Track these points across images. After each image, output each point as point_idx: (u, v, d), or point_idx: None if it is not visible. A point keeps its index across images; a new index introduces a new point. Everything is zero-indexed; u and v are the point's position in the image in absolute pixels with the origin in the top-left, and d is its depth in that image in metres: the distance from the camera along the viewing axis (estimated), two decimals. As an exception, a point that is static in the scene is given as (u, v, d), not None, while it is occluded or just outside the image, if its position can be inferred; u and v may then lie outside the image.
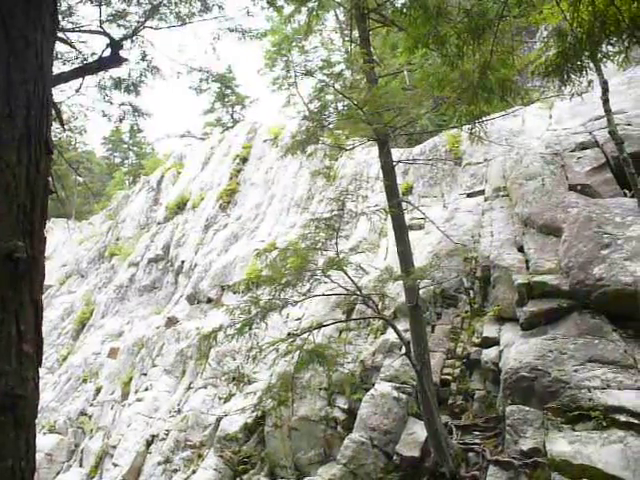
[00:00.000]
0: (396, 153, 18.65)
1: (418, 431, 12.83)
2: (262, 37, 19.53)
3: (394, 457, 12.82)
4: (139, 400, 21.11)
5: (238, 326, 11.11)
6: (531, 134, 18.73)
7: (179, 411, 19.04)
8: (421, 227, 17.15)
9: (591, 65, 9.38)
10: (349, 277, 11.78)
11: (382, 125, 11.73)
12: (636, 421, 10.42)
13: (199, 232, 27.76)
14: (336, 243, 11.87)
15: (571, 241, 13.31)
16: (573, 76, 9.14)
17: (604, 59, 9.31)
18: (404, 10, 10.43)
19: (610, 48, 9.33)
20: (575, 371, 11.44)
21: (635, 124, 15.65)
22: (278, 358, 11.63)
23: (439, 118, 12.07)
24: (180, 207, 31.09)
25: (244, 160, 29.60)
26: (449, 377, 13.73)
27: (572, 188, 14.91)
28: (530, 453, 10.87)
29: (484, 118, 13.03)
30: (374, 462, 12.94)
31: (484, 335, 13.93)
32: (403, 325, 13.61)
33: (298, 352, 11.27)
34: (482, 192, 17.91)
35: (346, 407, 14.72)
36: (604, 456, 10.07)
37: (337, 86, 12.45)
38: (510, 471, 11.02)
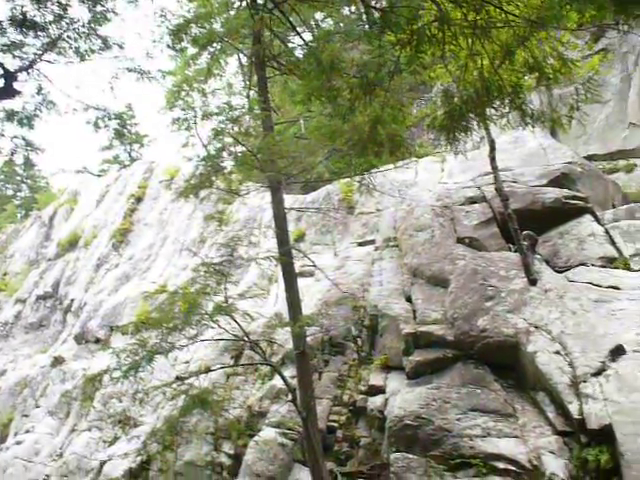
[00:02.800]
0: (290, 199, 18.79)
1: (303, 478, 12.79)
2: (163, 78, 19.48)
3: (279, 504, 12.77)
4: (18, 443, 20.28)
5: (124, 369, 10.89)
6: (423, 186, 19.09)
7: (61, 455, 18.42)
8: (312, 274, 17.24)
9: (477, 125, 9.72)
10: (237, 322, 11.72)
11: (275, 172, 11.81)
12: (513, 468, 10.74)
13: (90, 270, 27.13)
14: (225, 288, 11.82)
15: (457, 292, 13.65)
16: (459, 135, 9.45)
17: (487, 121, 9.71)
18: (299, 61, 10.59)
19: (493, 111, 9.76)
20: (458, 420, 11.68)
21: (520, 182, 16.23)
22: (164, 402, 11.49)
23: (335, 166, 12.25)
24: (72, 244, 30.31)
25: (139, 200, 29.20)
26: (335, 424, 13.74)
27: (460, 241, 15.31)
28: (414, 500, 11.01)
29: (377, 169, 13.30)
30: (259, 509, 12.86)
31: (371, 383, 14.01)
32: (291, 371, 13.57)
33: (183, 396, 11.15)
34: (373, 241, 18.13)
35: (232, 452, 14.57)
36: (488, 502, 10.34)
37: (235, 130, 12.47)
38: (393, 518, 11.16)
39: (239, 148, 12.42)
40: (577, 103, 10.72)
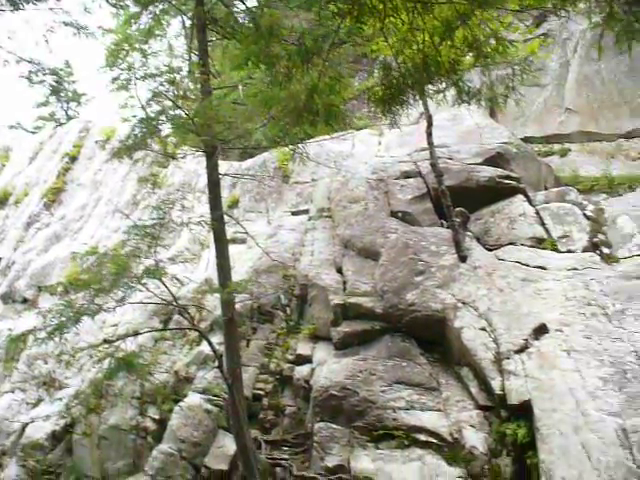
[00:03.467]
0: (226, 166, 18.55)
1: (228, 444, 12.82)
2: (102, 36, 19.02)
3: (202, 470, 12.75)
4: (-61, 403, 19.89)
5: (49, 330, 10.72)
6: (360, 159, 19.04)
7: (-19, 416, 18.09)
8: (244, 241, 17.11)
9: (414, 99, 9.73)
10: (166, 287, 11.63)
11: (211, 137, 11.69)
12: (435, 440, 10.97)
13: (20, 229, 26.50)
14: (155, 252, 11.71)
15: (387, 266, 13.73)
16: (395, 108, 9.46)
17: (425, 96, 9.73)
18: (238, 26, 10.46)
19: (431, 87, 9.80)
20: (382, 392, 11.83)
21: (456, 159, 16.33)
22: (90, 364, 11.37)
23: (272, 134, 12.15)
24: (2, 202, 29.57)
25: (74, 159, 28.52)
26: (261, 392, 13.79)
27: (393, 214, 15.36)
28: (335, 470, 11.14)
29: (314, 139, 13.26)
30: (182, 474, 12.85)
31: (298, 352, 14.10)
32: (219, 338, 13.49)
33: (109, 359, 11.03)
34: (307, 211, 18.07)
35: (157, 417, 14.50)
36: (404, 473, 10.56)
37: (173, 93, 12.29)
38: (315, 487, 11.21)
39: (177, 111, 12.27)
40: (512, 83, 10.79)
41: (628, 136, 21.48)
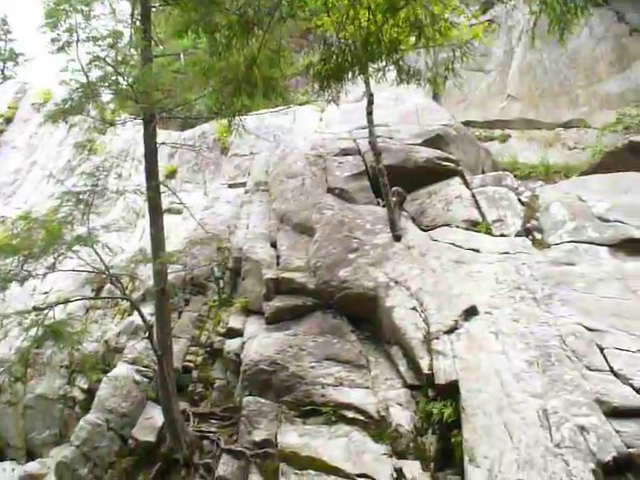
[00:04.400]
0: (165, 135, 18.37)
1: (156, 416, 12.75)
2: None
3: (129, 441, 12.65)
4: None
5: (-24, 295, 10.53)
6: (300, 134, 18.93)
7: None
8: (180, 212, 16.94)
9: (352, 75, 9.73)
10: (98, 255, 11.47)
11: (149, 105, 11.51)
12: (361, 417, 10.99)
13: (-51, 191, 25.94)
14: (88, 219, 11.53)
15: (322, 242, 13.71)
16: (334, 83, 9.44)
17: (365, 74, 9.73)
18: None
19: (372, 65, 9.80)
20: (312, 367, 11.82)
21: (396, 138, 16.38)
22: (18, 332, 11.17)
23: (211, 105, 12.01)
24: None
25: (8, 121, 27.80)
26: (191, 364, 13.76)
27: (330, 191, 15.33)
28: (262, 444, 11.13)
29: (254, 112, 13.15)
30: (109, 445, 12.73)
31: (229, 326, 14.05)
32: (151, 309, 13.35)
33: (36, 327, 10.84)
34: (244, 184, 17.94)
35: (85, 387, 14.38)
36: (330, 449, 10.52)
37: (114, 58, 12.03)
38: (241, 460, 11.26)
39: (116, 77, 12.04)
40: (452, 65, 10.86)
41: (566, 126, 21.87)
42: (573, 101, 21.90)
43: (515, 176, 16.85)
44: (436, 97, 23.04)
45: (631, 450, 9.01)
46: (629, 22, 21.30)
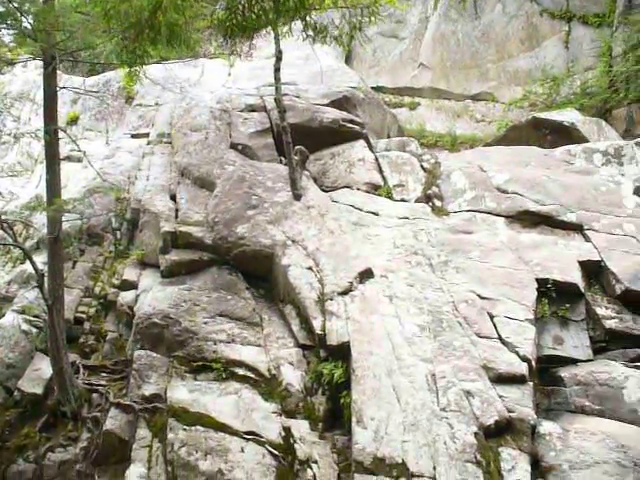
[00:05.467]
0: (68, 80, 17.80)
1: (44, 368, 12.40)
2: None
3: (15, 393, 12.29)
4: None
5: None
6: (207, 87, 18.47)
7: None
8: (80, 160, 16.42)
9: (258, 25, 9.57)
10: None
11: (48, 45, 11.10)
12: (252, 375, 11.03)
13: None
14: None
15: (221, 197, 13.54)
16: (237, 33, 9.27)
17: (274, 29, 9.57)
18: None
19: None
20: (205, 323, 11.77)
21: (303, 97, 16.22)
22: None
23: (115, 51, 11.61)
24: None
25: None
26: (83, 316, 13.42)
27: (234, 147, 15.09)
28: (151, 398, 11.04)
29: (161, 62, 12.84)
30: (-8, 397, 12.37)
31: (124, 278, 13.74)
32: (45, 257, 12.99)
33: None
34: (147, 135, 17.52)
35: (-30, 337, 13.91)
36: (219, 405, 10.57)
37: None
38: (130, 414, 11.12)
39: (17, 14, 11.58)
40: (359, 23, 10.80)
41: (475, 98, 22.22)
42: (483, 74, 22.21)
43: (422, 144, 17.02)
44: (349, 61, 23.07)
45: (512, 414, 9.44)
46: (540, 3, 21.72)
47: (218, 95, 17.00)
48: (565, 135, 16.54)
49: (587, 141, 16.13)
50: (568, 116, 17.18)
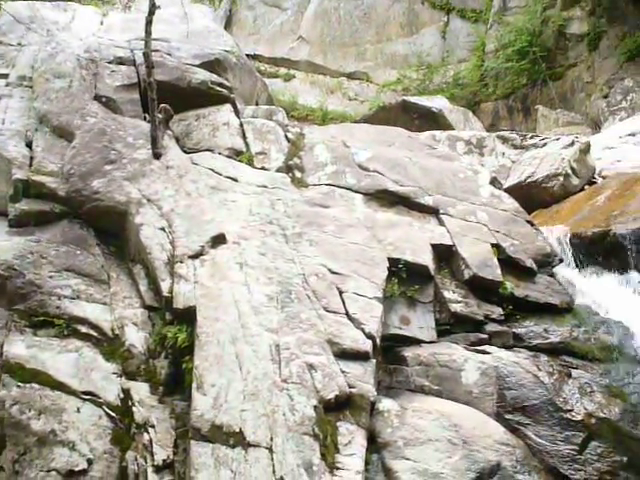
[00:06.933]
0: None
1: None
2: None
3: None
4: None
5: None
6: (76, 34, 17.70)
7: None
8: None
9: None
10: None
11: None
12: (95, 333, 10.75)
13: None
14: None
15: (79, 149, 13.10)
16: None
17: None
18: None
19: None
20: (50, 277, 11.35)
21: (174, 56, 15.74)
22: None
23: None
24: None
25: None
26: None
27: (97, 98, 14.54)
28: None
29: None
30: None
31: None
32: None
33: None
34: (6, 76, 16.73)
35: None
36: (58, 363, 10.23)
37: None
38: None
39: None
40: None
41: (350, 76, 22.53)
42: (361, 54, 22.50)
43: (293, 117, 17.07)
44: (228, 26, 22.87)
45: (353, 390, 9.61)
46: (422, -10, 22.20)
47: (87, 43, 16.36)
48: (433, 121, 16.96)
49: (453, 129, 16.58)
50: (437, 103, 17.61)
